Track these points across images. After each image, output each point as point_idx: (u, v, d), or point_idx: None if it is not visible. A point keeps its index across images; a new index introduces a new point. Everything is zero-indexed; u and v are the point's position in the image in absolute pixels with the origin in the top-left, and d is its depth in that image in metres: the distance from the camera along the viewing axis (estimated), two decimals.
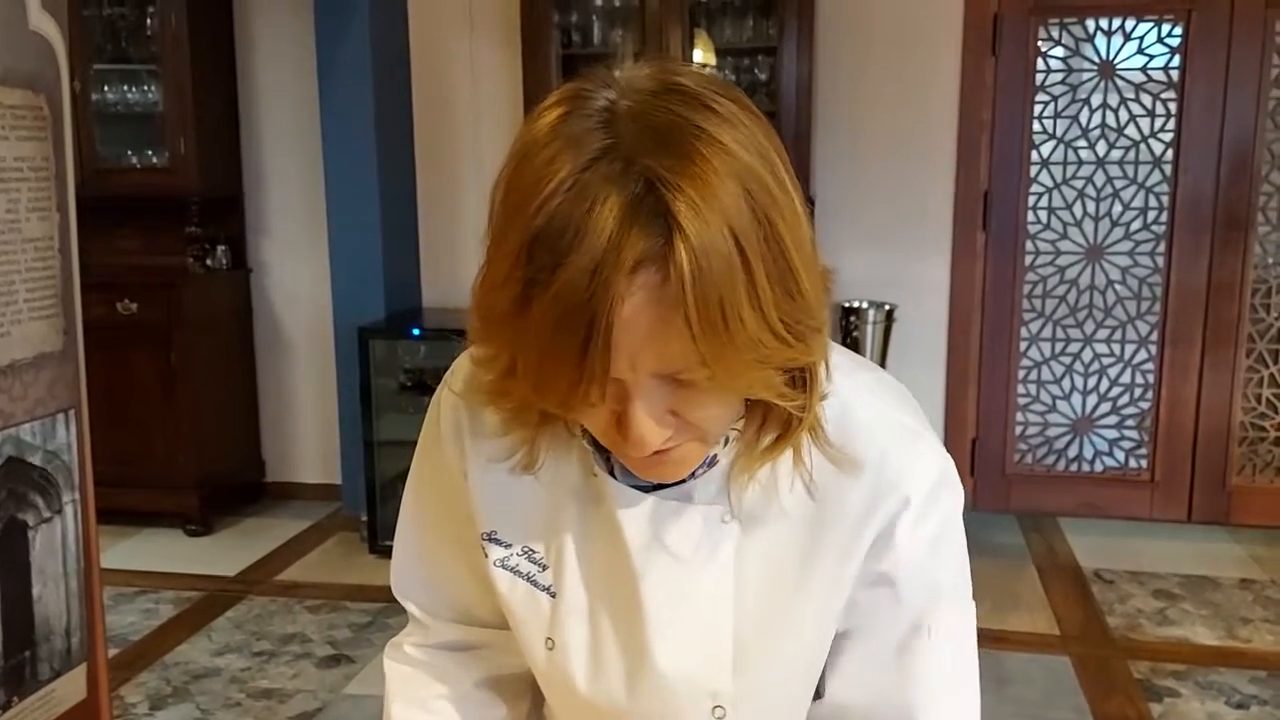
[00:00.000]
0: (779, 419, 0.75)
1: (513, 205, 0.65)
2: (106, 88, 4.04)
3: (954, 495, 0.82)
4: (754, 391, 0.69)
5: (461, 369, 0.88)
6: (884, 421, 0.81)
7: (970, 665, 0.85)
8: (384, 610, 3.23)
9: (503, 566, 0.87)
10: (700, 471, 0.80)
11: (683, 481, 0.80)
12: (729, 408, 0.73)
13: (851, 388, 0.80)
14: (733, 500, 0.80)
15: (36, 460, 1.61)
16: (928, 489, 0.80)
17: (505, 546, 0.87)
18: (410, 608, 0.99)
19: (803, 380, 0.72)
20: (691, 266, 0.61)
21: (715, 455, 0.79)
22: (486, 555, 0.88)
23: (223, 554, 3.84)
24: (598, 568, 0.84)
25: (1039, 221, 3.82)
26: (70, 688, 1.74)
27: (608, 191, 0.61)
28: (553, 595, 0.86)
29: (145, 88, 4.05)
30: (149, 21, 3.98)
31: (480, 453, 0.86)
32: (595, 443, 0.80)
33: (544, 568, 0.86)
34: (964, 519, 0.84)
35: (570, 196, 0.62)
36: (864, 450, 0.79)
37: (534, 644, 0.87)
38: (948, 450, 0.84)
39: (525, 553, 0.87)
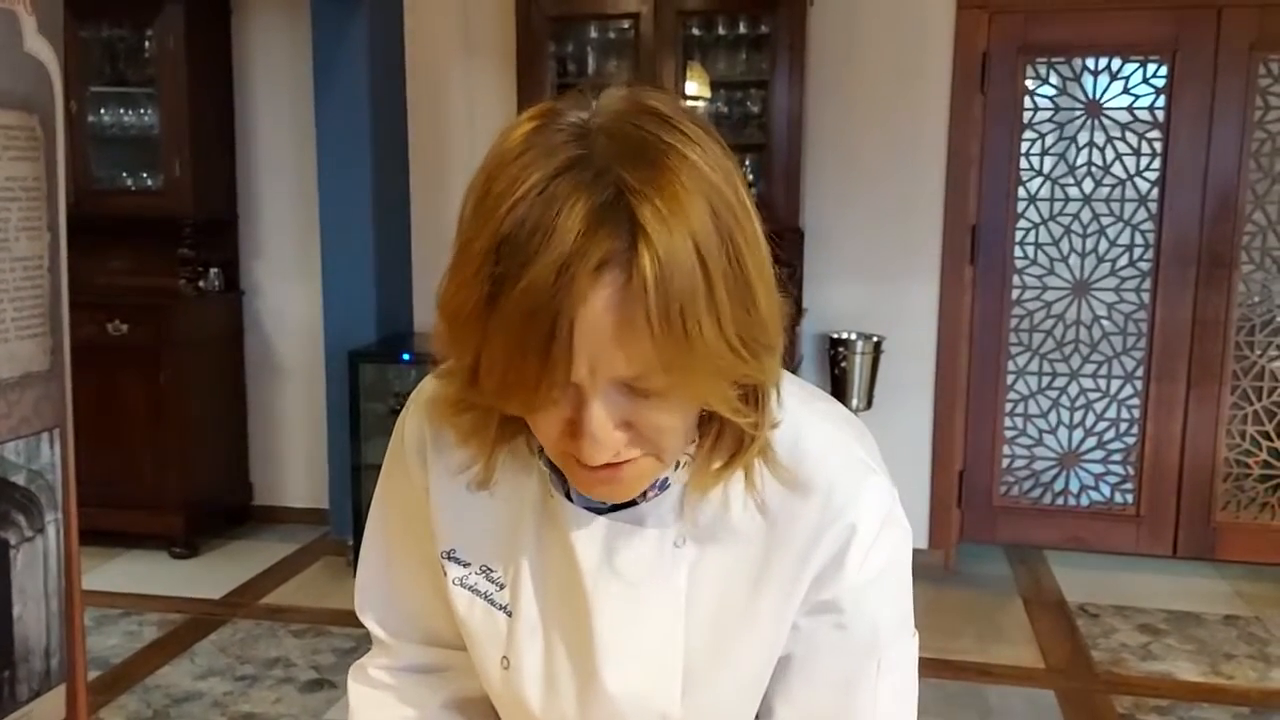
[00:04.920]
0: (732, 439, 0.76)
1: (484, 210, 0.67)
2: (103, 109, 4.07)
3: (901, 531, 0.83)
4: (709, 403, 0.71)
5: (426, 386, 0.89)
6: (835, 449, 0.82)
7: (911, 698, 0.86)
8: (368, 635, 3.20)
9: (461, 585, 0.88)
10: (652, 494, 0.81)
11: (635, 504, 0.81)
12: (683, 422, 0.74)
13: (805, 414, 0.82)
14: (686, 519, 0.81)
15: (19, 479, 1.61)
16: (876, 521, 0.81)
17: (464, 565, 0.88)
18: (373, 627, 0.99)
19: (755, 399, 0.74)
20: (654, 270, 0.63)
21: (667, 479, 0.80)
22: (446, 574, 0.89)
23: (207, 577, 3.82)
24: (552, 588, 0.85)
25: (1026, 256, 3.86)
26: (49, 708, 1.73)
27: (577, 196, 0.63)
28: (509, 614, 0.86)
29: (141, 110, 4.07)
30: (146, 44, 4.02)
31: (440, 466, 0.87)
32: (552, 464, 0.81)
33: (501, 586, 0.87)
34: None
35: (540, 201, 0.64)
36: (813, 475, 0.80)
37: (490, 663, 0.88)
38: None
39: (483, 571, 0.87)
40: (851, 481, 0.81)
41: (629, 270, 0.63)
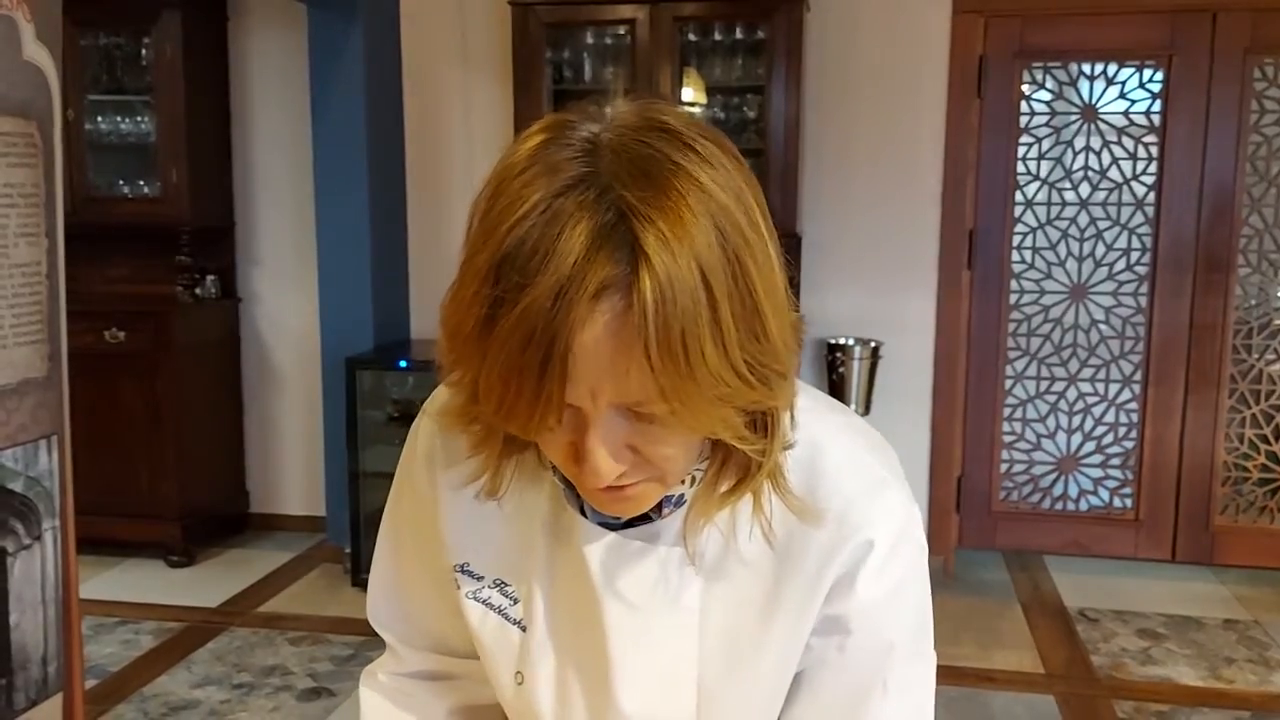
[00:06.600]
0: (739, 464, 0.74)
1: (487, 225, 0.65)
2: (100, 117, 4.07)
3: (917, 548, 0.81)
4: (713, 430, 0.68)
5: (440, 395, 0.88)
6: (853, 466, 0.80)
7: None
8: (366, 643, 3.21)
9: (474, 599, 0.87)
10: (667, 511, 0.79)
11: (650, 521, 0.80)
12: (688, 447, 0.72)
13: (822, 430, 0.80)
14: (688, 544, 0.79)
15: (17, 486, 1.61)
16: (891, 538, 0.79)
17: (477, 579, 0.87)
18: (386, 636, 0.99)
19: (764, 425, 0.72)
20: (655, 296, 0.61)
21: (683, 495, 0.79)
22: (459, 587, 0.88)
23: (205, 585, 3.81)
24: (565, 604, 0.84)
25: (1024, 261, 3.86)
26: (46, 717, 1.72)
27: (579, 217, 0.62)
28: (523, 629, 0.85)
29: (139, 118, 4.07)
30: (144, 52, 4.02)
31: (450, 481, 0.86)
32: (565, 478, 0.80)
33: (515, 601, 0.86)
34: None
35: (542, 220, 0.62)
36: (830, 495, 0.78)
37: (503, 677, 0.87)
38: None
39: (497, 585, 0.87)
40: (868, 499, 0.79)
41: (629, 297, 0.61)
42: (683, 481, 0.78)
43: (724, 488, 0.75)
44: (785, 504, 0.76)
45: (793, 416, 0.75)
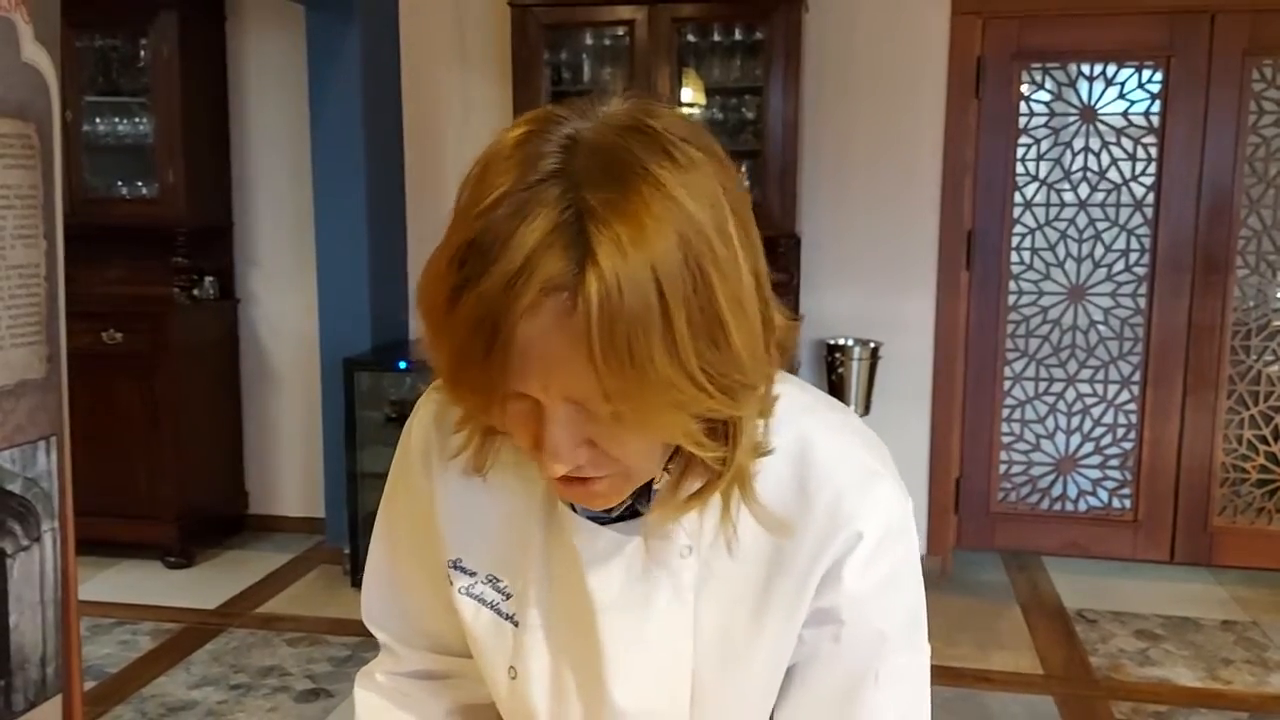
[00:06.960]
0: (704, 469, 0.75)
1: (462, 210, 0.67)
2: (98, 119, 4.07)
3: (909, 540, 0.82)
4: (668, 435, 0.69)
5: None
6: (844, 458, 0.81)
7: (920, 713, 0.84)
8: (364, 644, 3.20)
9: (467, 594, 0.87)
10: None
11: (639, 515, 0.80)
12: (649, 447, 0.72)
13: (814, 423, 0.81)
14: (648, 544, 0.80)
15: (15, 488, 1.61)
16: (881, 530, 0.79)
17: (470, 574, 0.87)
18: (381, 635, 0.99)
19: (725, 433, 0.72)
20: (600, 298, 0.61)
21: None
22: (452, 583, 0.88)
23: (203, 586, 3.81)
24: (558, 600, 0.84)
25: (1022, 262, 3.86)
26: (45, 718, 1.72)
27: (540, 212, 0.63)
28: (516, 624, 0.86)
29: (136, 119, 4.07)
30: (141, 54, 4.01)
31: (443, 461, 0.87)
32: None
33: (508, 596, 0.86)
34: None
35: (508, 210, 0.63)
36: (820, 486, 0.78)
37: (497, 673, 0.88)
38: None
39: (490, 580, 0.87)
40: (859, 491, 0.79)
41: (574, 295, 0.62)
42: (666, 472, 0.78)
43: (687, 492, 0.76)
44: (752, 514, 0.76)
45: (768, 424, 0.75)
